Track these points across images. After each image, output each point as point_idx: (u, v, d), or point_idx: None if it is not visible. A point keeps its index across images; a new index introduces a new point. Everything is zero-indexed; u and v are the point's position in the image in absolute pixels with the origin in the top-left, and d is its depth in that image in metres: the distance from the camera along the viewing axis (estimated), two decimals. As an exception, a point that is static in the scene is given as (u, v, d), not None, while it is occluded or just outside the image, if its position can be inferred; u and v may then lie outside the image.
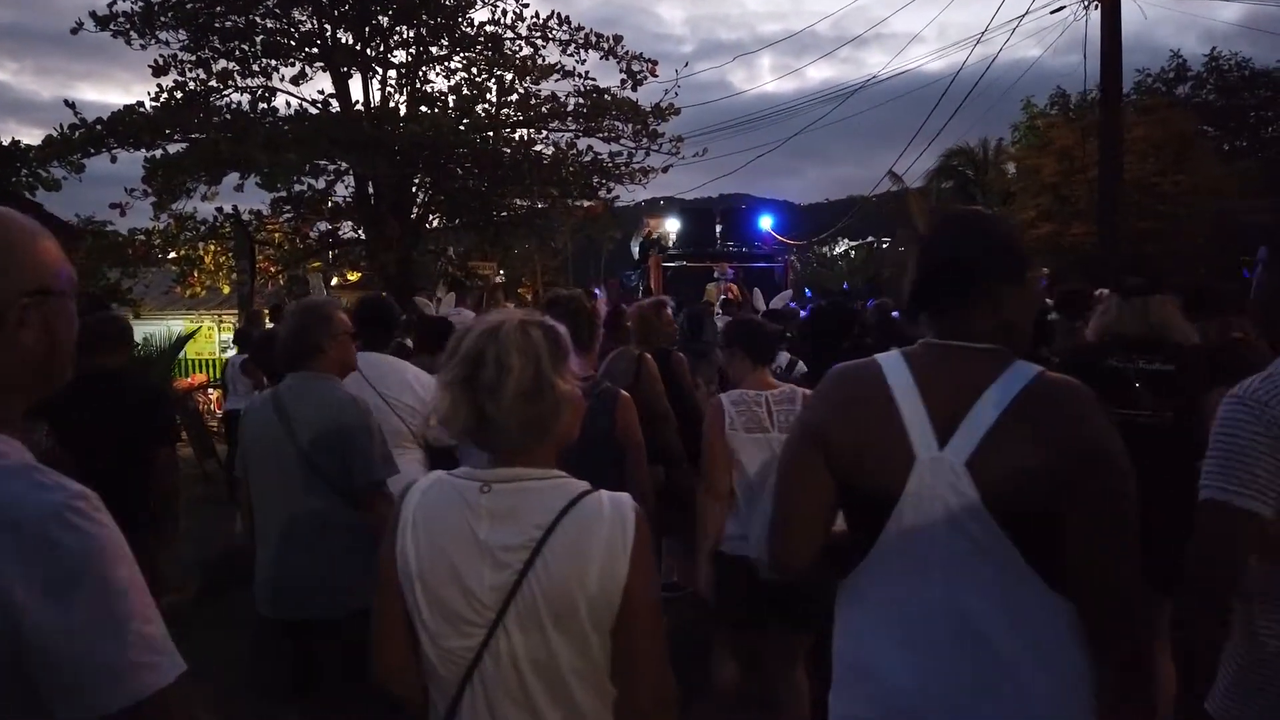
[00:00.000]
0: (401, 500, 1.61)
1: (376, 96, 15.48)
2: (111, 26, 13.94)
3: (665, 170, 16.05)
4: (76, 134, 13.15)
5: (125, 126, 13.55)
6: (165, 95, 14.09)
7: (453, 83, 15.43)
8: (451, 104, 14.84)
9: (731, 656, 3.49)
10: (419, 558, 1.54)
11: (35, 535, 1.00)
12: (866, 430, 1.62)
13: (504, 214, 16.37)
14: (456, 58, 15.71)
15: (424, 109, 14.82)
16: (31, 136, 13.25)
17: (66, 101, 13.49)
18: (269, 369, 5.79)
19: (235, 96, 14.84)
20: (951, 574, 1.55)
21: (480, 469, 1.59)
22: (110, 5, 13.97)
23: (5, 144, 14.07)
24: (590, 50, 15.44)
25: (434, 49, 15.69)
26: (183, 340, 11.59)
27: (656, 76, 15.55)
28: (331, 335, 2.96)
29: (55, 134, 13.09)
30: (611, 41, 15.36)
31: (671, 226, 17.66)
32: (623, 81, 15.22)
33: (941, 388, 1.60)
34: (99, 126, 13.36)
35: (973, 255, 1.62)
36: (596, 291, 11.63)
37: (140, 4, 13.93)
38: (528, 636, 1.50)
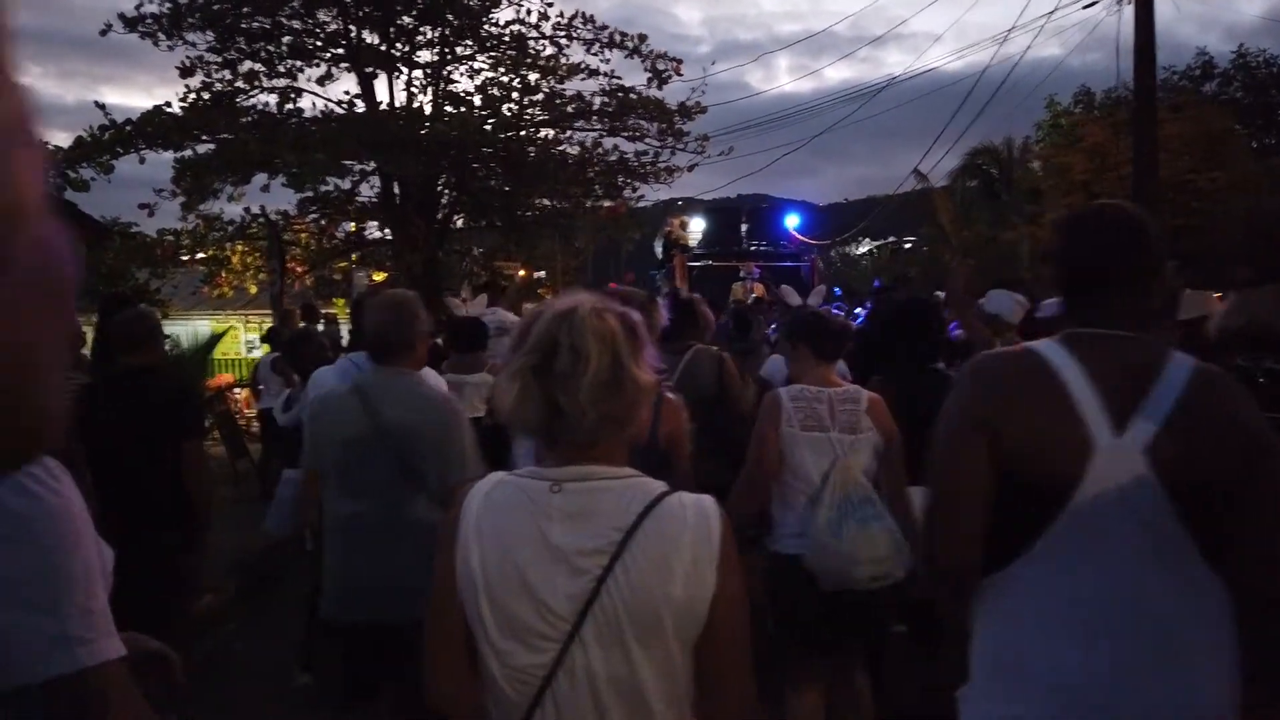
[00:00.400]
0: (460, 505, 1.48)
1: (401, 97, 15.51)
2: (140, 28, 14.01)
3: (691, 169, 16.00)
4: (106, 135, 13.22)
5: (154, 127, 13.62)
6: (193, 96, 14.14)
7: (478, 82, 15.42)
8: (478, 104, 14.81)
9: (808, 681, 3.23)
10: (485, 566, 1.41)
11: None
12: (1040, 419, 1.62)
13: (528, 213, 16.34)
14: (481, 57, 15.71)
15: (449, 109, 14.81)
16: (56, 139, 13.49)
17: (97, 103, 13.56)
18: (300, 367, 5.75)
19: (262, 98, 14.92)
20: (1132, 561, 1.56)
21: (546, 468, 1.47)
22: (138, 7, 14.07)
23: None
24: (614, 49, 15.39)
25: (459, 49, 15.70)
26: (215, 340, 11.59)
27: (681, 75, 15.50)
28: (420, 333, 2.94)
29: (85, 135, 13.17)
30: (636, 40, 15.31)
31: (696, 226, 17.58)
32: (649, 80, 15.17)
33: (1110, 375, 1.61)
34: (128, 127, 13.43)
35: (1123, 247, 1.67)
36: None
37: (168, 5, 13.99)
38: (607, 651, 1.38)
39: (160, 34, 14.20)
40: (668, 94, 15.53)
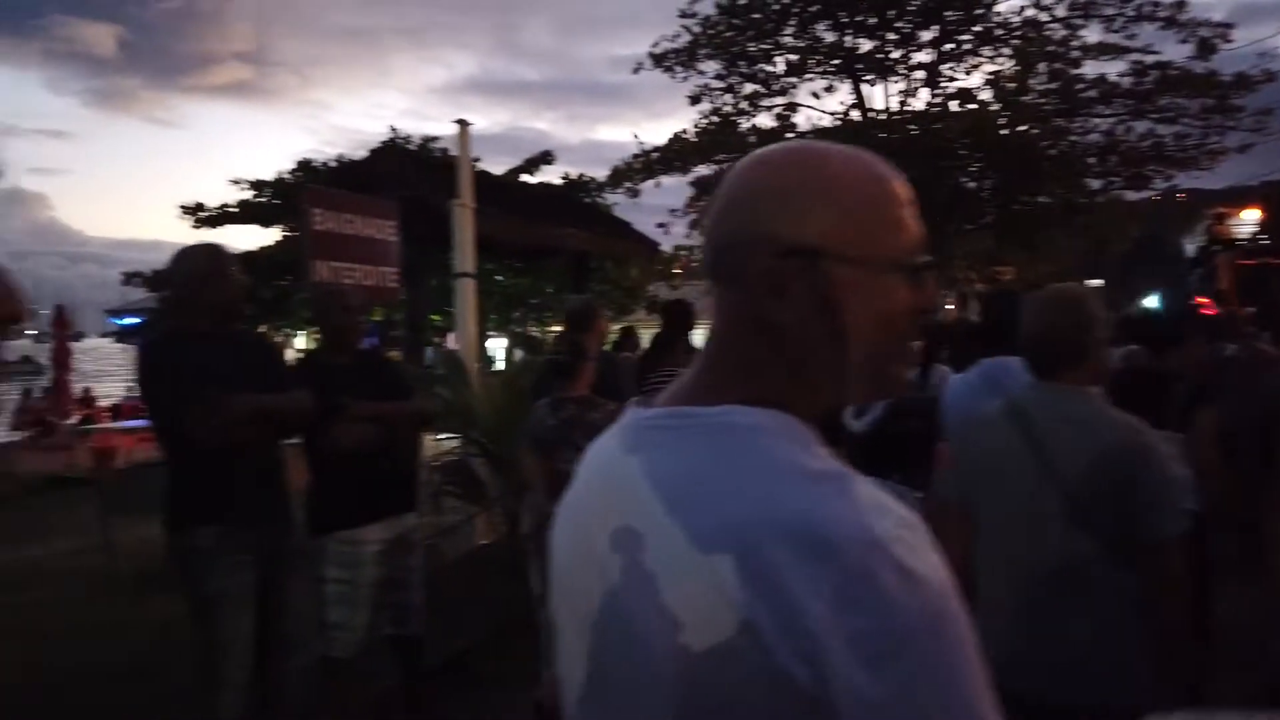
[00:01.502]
0: None
1: (894, 103, 15.30)
2: (663, 64, 15.48)
3: (1242, 151, 13.55)
4: (638, 162, 14.82)
5: (674, 153, 14.95)
6: (706, 121, 15.32)
7: (979, 78, 14.65)
8: (988, 98, 14.04)
9: None
10: None
11: (853, 572, 0.69)
12: None
13: (1026, 210, 15.12)
14: (984, 50, 14.87)
15: (954, 106, 14.24)
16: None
17: (634, 135, 15.41)
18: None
19: (760, 119, 15.72)
20: None
21: None
22: (654, 45, 15.59)
23: (574, 177, 16.40)
24: (1143, 23, 13.60)
25: (958, 45, 15.05)
26: None
27: (1231, 43, 13.22)
28: (1097, 339, 2.34)
29: (620, 165, 14.91)
30: (1173, 9, 13.36)
31: (1249, 217, 14.86)
32: (1193, 53, 13.14)
33: None
34: (654, 154, 14.92)
35: None
36: None
37: (686, 40, 15.28)
38: None
39: (677, 66, 15.57)
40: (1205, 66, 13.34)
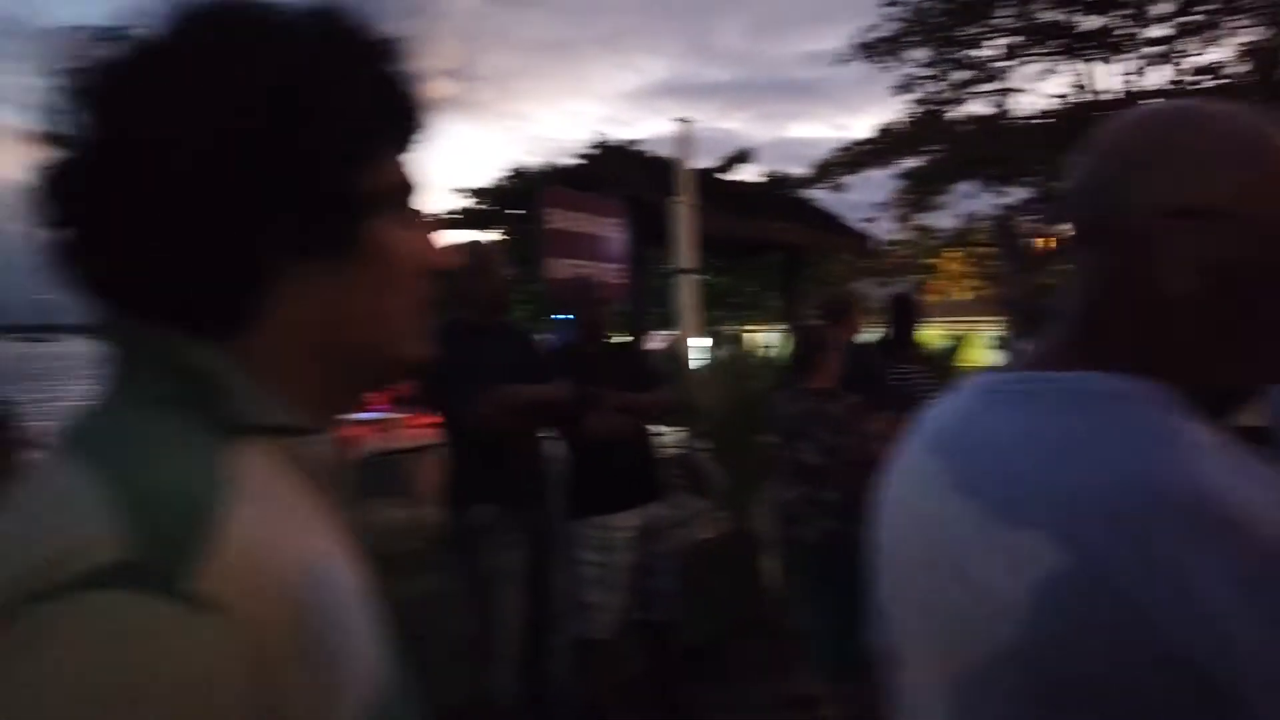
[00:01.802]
0: None
1: (1117, 81, 14.18)
2: (870, 53, 15.08)
3: None
4: (845, 155, 14.57)
5: (884, 146, 14.57)
6: (923, 110, 14.81)
7: (1230, 50, 13.32)
8: (1244, 70, 12.76)
9: None
10: None
11: (1268, 552, 0.63)
12: None
13: None
14: (1230, 21, 13.48)
15: (1198, 82, 13.03)
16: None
17: (839, 126, 15.20)
18: None
19: (972, 106, 14.98)
20: None
21: None
22: (858, 35, 15.22)
23: (774, 175, 16.29)
24: None
25: (1203, 16, 13.72)
26: (957, 346, 11.76)
27: None
28: None
29: (826, 159, 14.74)
30: None
31: None
32: None
33: None
34: (866, 147, 14.61)
35: None
36: None
37: (897, 26, 14.81)
38: None
39: (886, 56, 15.11)
40: None
